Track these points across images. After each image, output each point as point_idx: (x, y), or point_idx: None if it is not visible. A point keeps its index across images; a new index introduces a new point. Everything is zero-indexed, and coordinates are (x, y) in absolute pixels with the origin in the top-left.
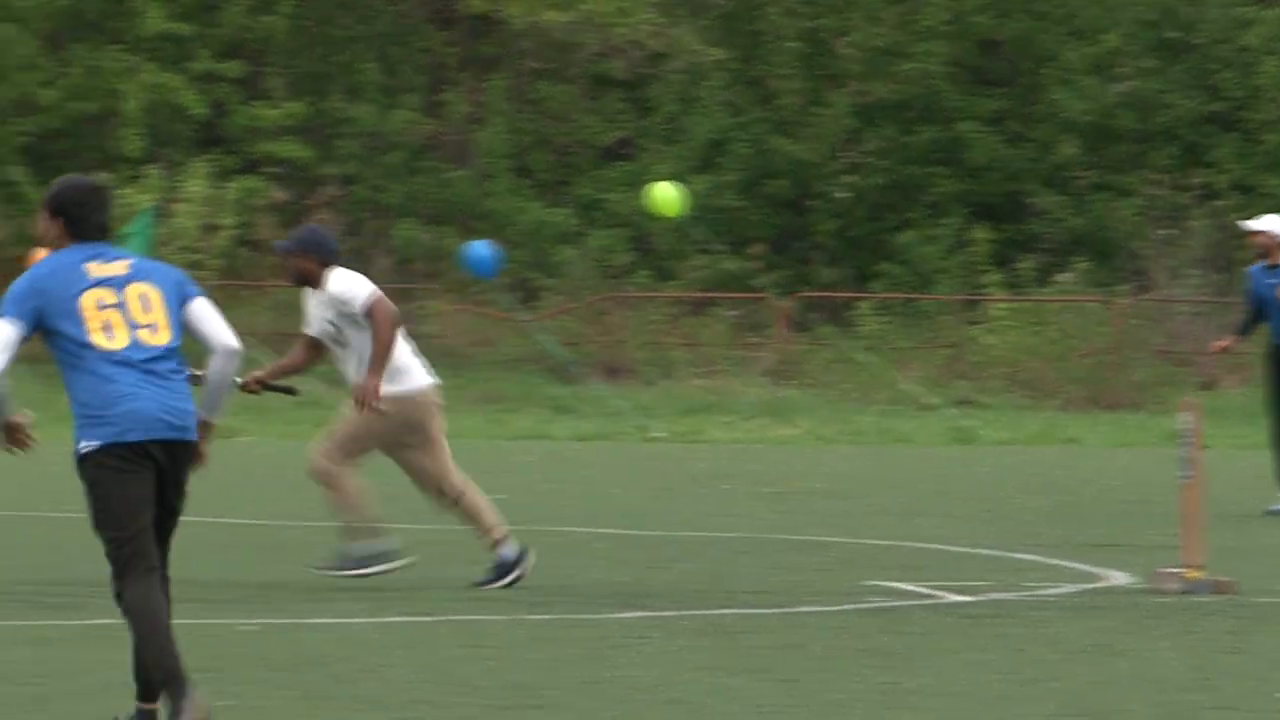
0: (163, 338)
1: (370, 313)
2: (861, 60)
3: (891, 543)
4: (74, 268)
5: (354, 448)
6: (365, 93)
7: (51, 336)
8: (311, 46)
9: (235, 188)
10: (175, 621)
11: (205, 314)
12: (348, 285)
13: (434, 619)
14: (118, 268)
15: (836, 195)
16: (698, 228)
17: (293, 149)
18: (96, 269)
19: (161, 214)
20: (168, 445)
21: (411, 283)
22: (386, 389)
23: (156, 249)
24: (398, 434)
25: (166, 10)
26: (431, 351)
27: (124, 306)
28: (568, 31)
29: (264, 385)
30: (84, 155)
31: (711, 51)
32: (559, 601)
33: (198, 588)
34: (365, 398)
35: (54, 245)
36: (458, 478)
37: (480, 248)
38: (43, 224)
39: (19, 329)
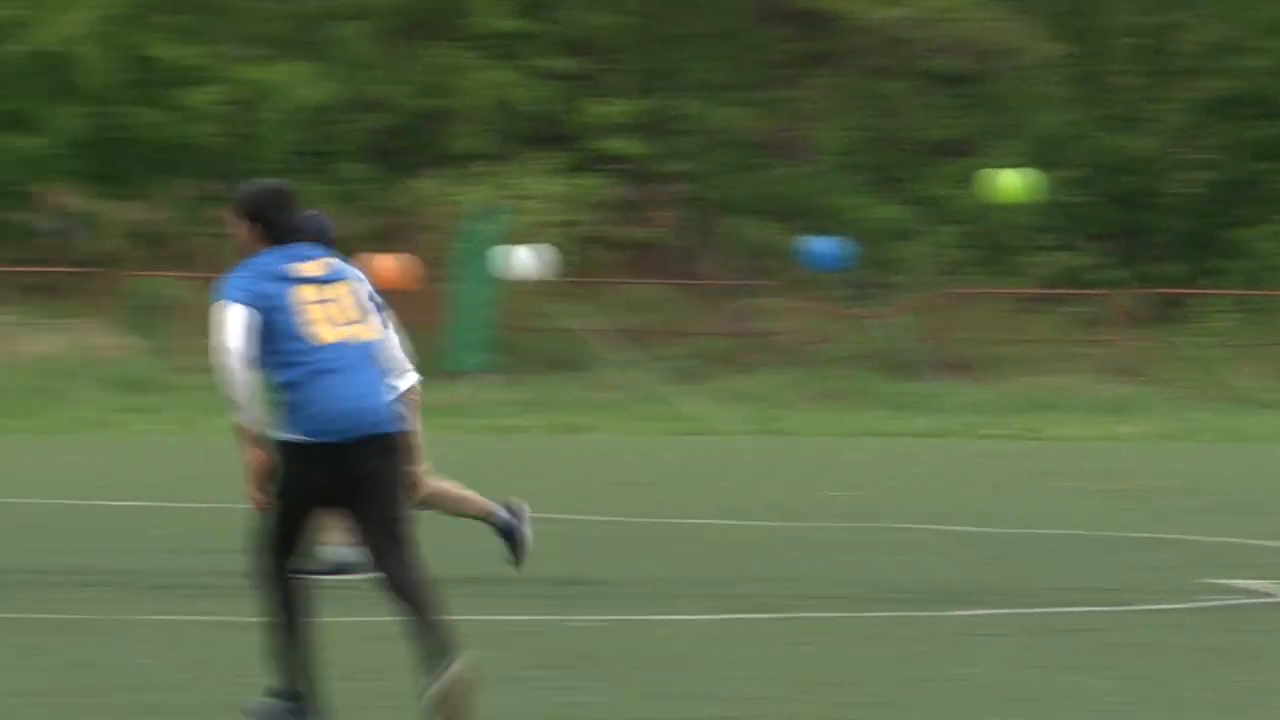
0: (364, 334)
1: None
2: (1200, 56)
3: (1230, 540)
4: (280, 267)
5: None
6: (702, 90)
7: (266, 329)
8: (650, 44)
9: (574, 185)
10: (523, 617)
11: (384, 321)
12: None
13: (763, 616)
14: (318, 267)
15: (1177, 191)
16: (1039, 223)
17: (631, 146)
18: (299, 269)
19: (506, 212)
20: (365, 439)
21: (749, 279)
22: None
23: (502, 246)
24: None
25: (505, 7)
26: (770, 348)
27: (328, 304)
28: (902, 28)
29: None
30: (422, 152)
31: (1050, 47)
32: (895, 598)
33: (544, 584)
34: None
35: (249, 249)
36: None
37: (824, 243)
38: (235, 228)
39: (248, 312)
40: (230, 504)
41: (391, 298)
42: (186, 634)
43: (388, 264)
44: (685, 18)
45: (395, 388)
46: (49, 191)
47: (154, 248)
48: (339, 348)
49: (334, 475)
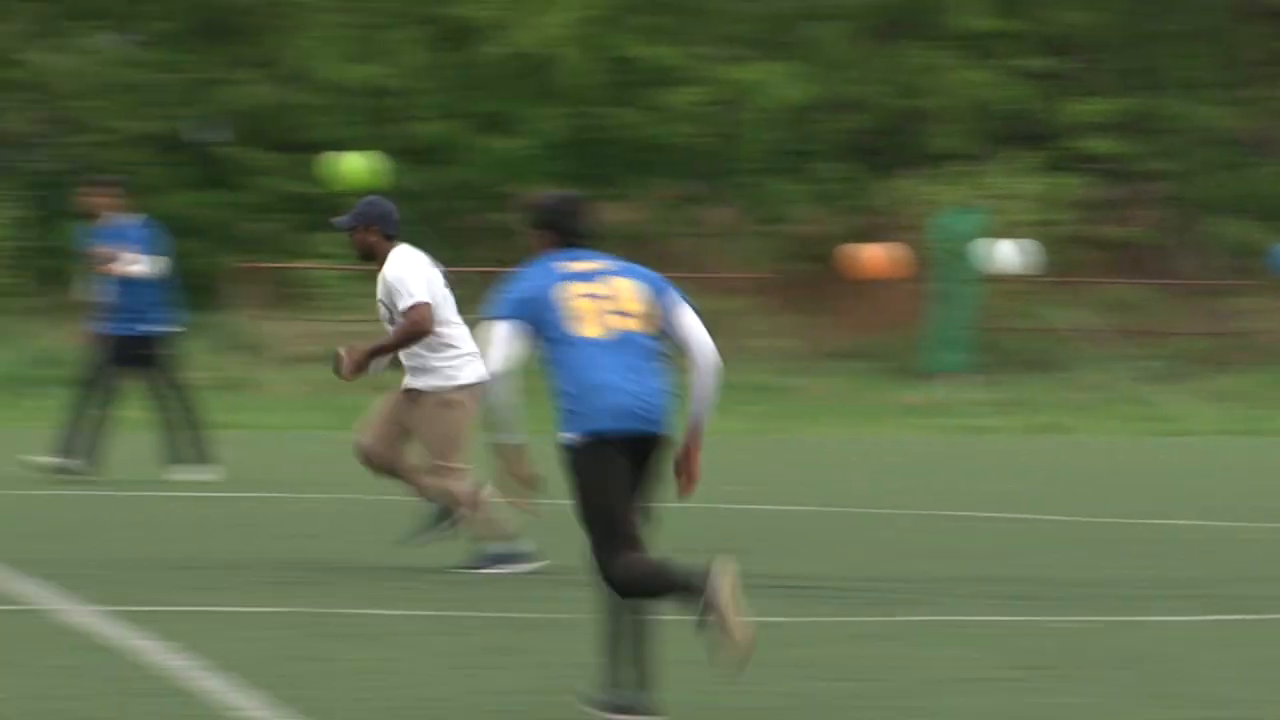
0: (636, 328)
1: (407, 314)
2: None
3: None
4: (552, 266)
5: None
6: (1182, 88)
7: (540, 333)
8: (1129, 42)
9: (1052, 184)
10: (1001, 618)
11: (687, 320)
12: (403, 275)
13: (1246, 618)
14: (594, 264)
15: None
16: None
17: (1110, 145)
18: (573, 266)
19: (983, 211)
20: (639, 436)
21: (1230, 279)
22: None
23: (983, 242)
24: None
25: (982, 6)
26: (1252, 348)
27: (601, 299)
28: None
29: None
30: (899, 152)
31: None
32: None
33: (1021, 584)
34: (348, 359)
35: (538, 256)
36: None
37: None
38: (530, 237)
39: (513, 327)
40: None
41: (876, 289)
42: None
43: (877, 254)
44: (1164, 16)
45: (673, 384)
46: (526, 193)
47: (634, 248)
48: (607, 343)
49: (614, 465)
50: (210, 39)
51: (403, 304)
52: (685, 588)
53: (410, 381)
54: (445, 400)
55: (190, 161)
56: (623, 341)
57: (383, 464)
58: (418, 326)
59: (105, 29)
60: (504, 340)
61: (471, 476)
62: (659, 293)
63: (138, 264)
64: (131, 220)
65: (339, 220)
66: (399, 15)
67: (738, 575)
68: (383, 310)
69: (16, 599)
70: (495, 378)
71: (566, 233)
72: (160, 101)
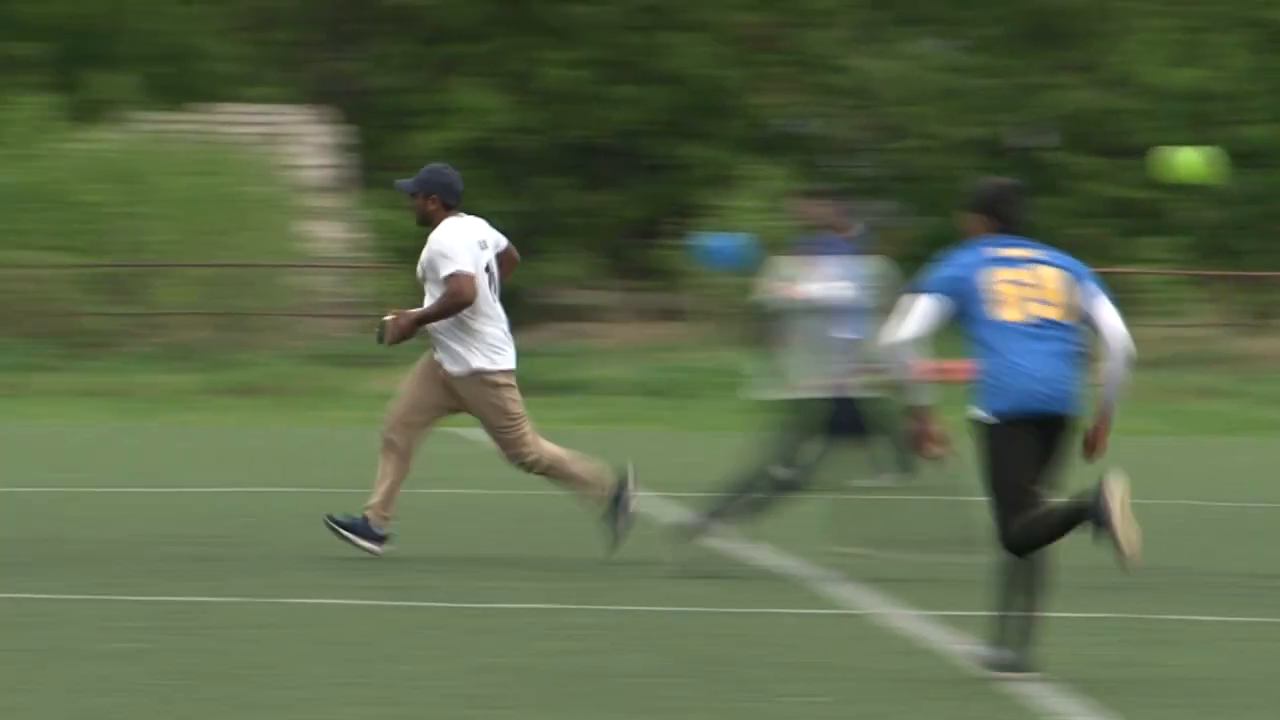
0: (1055, 316)
1: (448, 281)
2: None
3: None
4: (983, 250)
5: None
6: None
7: (963, 313)
8: None
9: None
10: None
11: (1103, 308)
12: (446, 244)
13: None
14: (1022, 252)
15: None
16: None
17: None
18: (1002, 252)
19: None
20: (1048, 417)
21: None
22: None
23: None
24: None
25: None
26: None
27: (1025, 286)
28: None
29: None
30: None
31: None
32: None
33: None
34: (392, 327)
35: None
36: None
37: None
38: (967, 221)
39: (935, 302)
40: None
41: None
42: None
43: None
44: None
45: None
46: None
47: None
48: (1026, 329)
49: (1022, 443)
50: (1034, 44)
51: (444, 271)
52: (1078, 513)
53: (449, 367)
54: (488, 380)
55: (1013, 166)
56: (1041, 328)
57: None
58: (458, 296)
59: (929, 34)
60: (923, 313)
61: (538, 442)
62: (1078, 281)
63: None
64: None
65: (401, 183)
66: (1223, 19)
67: (1128, 489)
68: (419, 276)
69: (844, 604)
70: (904, 343)
71: (1003, 220)
72: (983, 107)
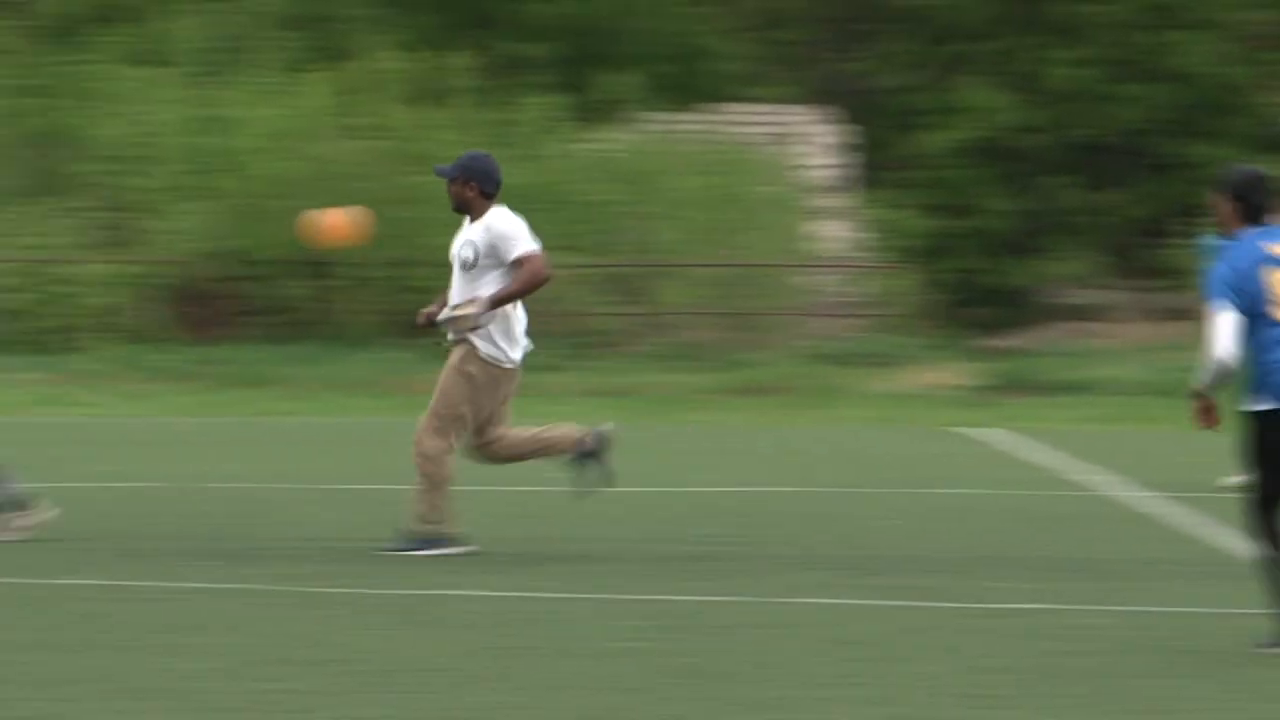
0: None
1: (523, 261)
2: None
3: None
4: (1253, 246)
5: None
6: None
7: (1243, 310)
8: None
9: None
10: None
11: None
12: (512, 228)
13: None
14: None
15: None
16: None
17: None
18: (1273, 249)
19: None
20: None
21: None
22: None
23: None
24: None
25: None
26: None
27: None
28: None
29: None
30: None
31: None
32: None
33: None
34: (467, 311)
35: (1225, 228)
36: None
37: None
38: (1219, 207)
39: (1233, 313)
40: None
41: None
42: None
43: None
44: None
45: None
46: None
47: None
48: None
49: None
50: None
51: (517, 252)
52: None
53: (452, 336)
54: (481, 369)
55: None
56: None
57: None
58: (538, 275)
59: None
60: (1229, 330)
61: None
62: None
63: None
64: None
65: (440, 168)
66: None
67: None
68: (466, 260)
69: None
70: (1224, 364)
71: (1252, 206)
72: None
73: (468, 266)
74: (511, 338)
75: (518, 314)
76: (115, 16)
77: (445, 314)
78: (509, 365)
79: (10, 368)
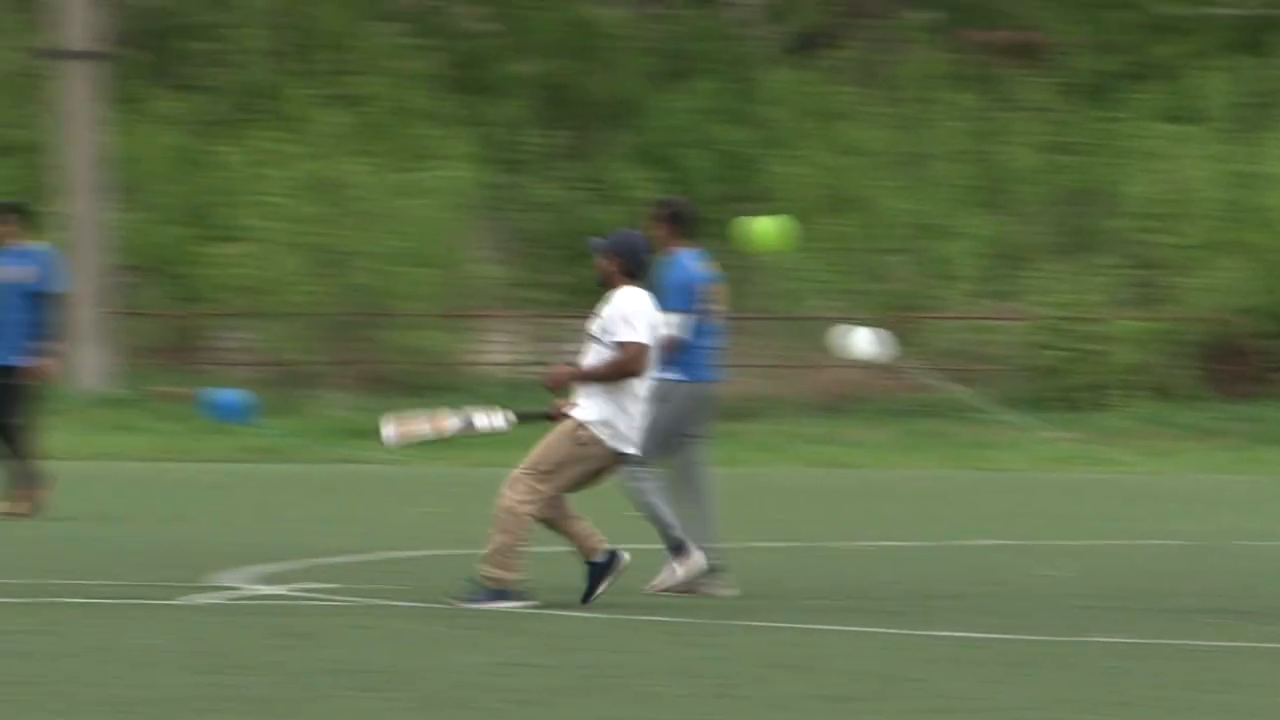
0: None
1: (624, 348)
2: None
3: None
4: None
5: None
6: None
7: None
8: None
9: None
10: None
11: None
12: (630, 312)
13: None
14: None
15: None
16: None
17: None
18: None
19: None
20: None
21: None
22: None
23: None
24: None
25: None
26: None
27: None
28: None
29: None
30: None
31: None
32: None
33: None
34: (553, 376)
35: None
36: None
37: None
38: None
39: None
40: None
41: None
42: None
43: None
44: None
45: None
46: None
47: None
48: None
49: None
50: None
51: (621, 337)
52: None
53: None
54: (591, 441)
55: None
56: None
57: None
58: (631, 364)
59: None
60: None
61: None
62: None
63: None
64: None
65: (595, 241)
66: None
67: None
68: (594, 334)
69: None
70: None
71: None
72: None
73: (595, 341)
74: (618, 417)
75: (630, 404)
76: (1148, 74)
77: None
78: (613, 449)
79: (1040, 425)
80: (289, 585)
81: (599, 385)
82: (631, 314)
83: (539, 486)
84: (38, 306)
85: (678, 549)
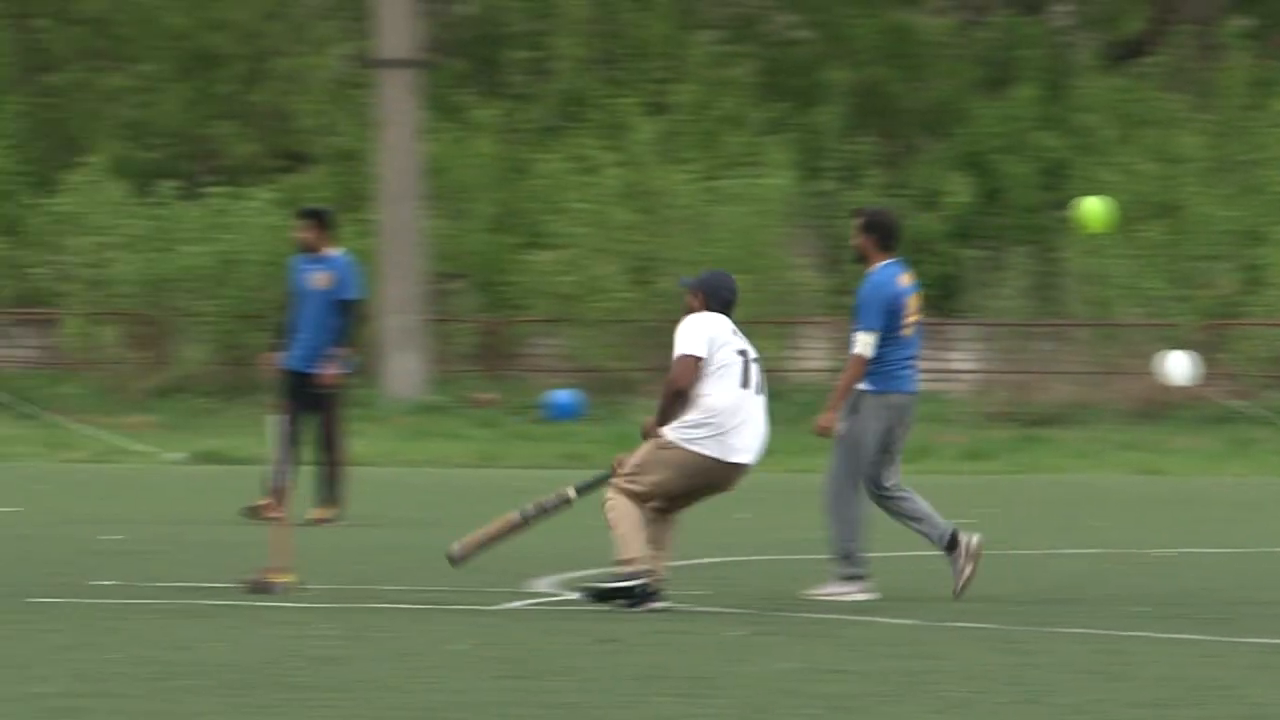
0: None
1: (673, 364)
2: None
3: None
4: None
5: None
6: None
7: None
8: None
9: None
10: None
11: None
12: (687, 328)
13: None
14: None
15: None
16: None
17: None
18: None
19: None
20: None
21: None
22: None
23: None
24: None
25: None
26: None
27: None
28: None
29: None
30: None
31: None
32: None
33: None
34: (644, 425)
35: None
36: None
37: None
38: None
39: None
40: None
41: None
42: None
43: None
44: None
45: None
46: None
47: None
48: None
49: None
50: None
51: (676, 351)
52: None
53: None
54: (669, 444)
55: None
56: None
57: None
58: (673, 378)
59: None
60: None
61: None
62: None
63: None
64: None
65: (684, 280)
66: None
67: None
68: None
69: None
70: None
71: None
72: None
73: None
74: (707, 430)
75: (726, 415)
76: None
77: None
78: (692, 448)
79: None
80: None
81: (669, 414)
82: (685, 330)
83: (628, 486)
84: (337, 313)
85: (951, 545)
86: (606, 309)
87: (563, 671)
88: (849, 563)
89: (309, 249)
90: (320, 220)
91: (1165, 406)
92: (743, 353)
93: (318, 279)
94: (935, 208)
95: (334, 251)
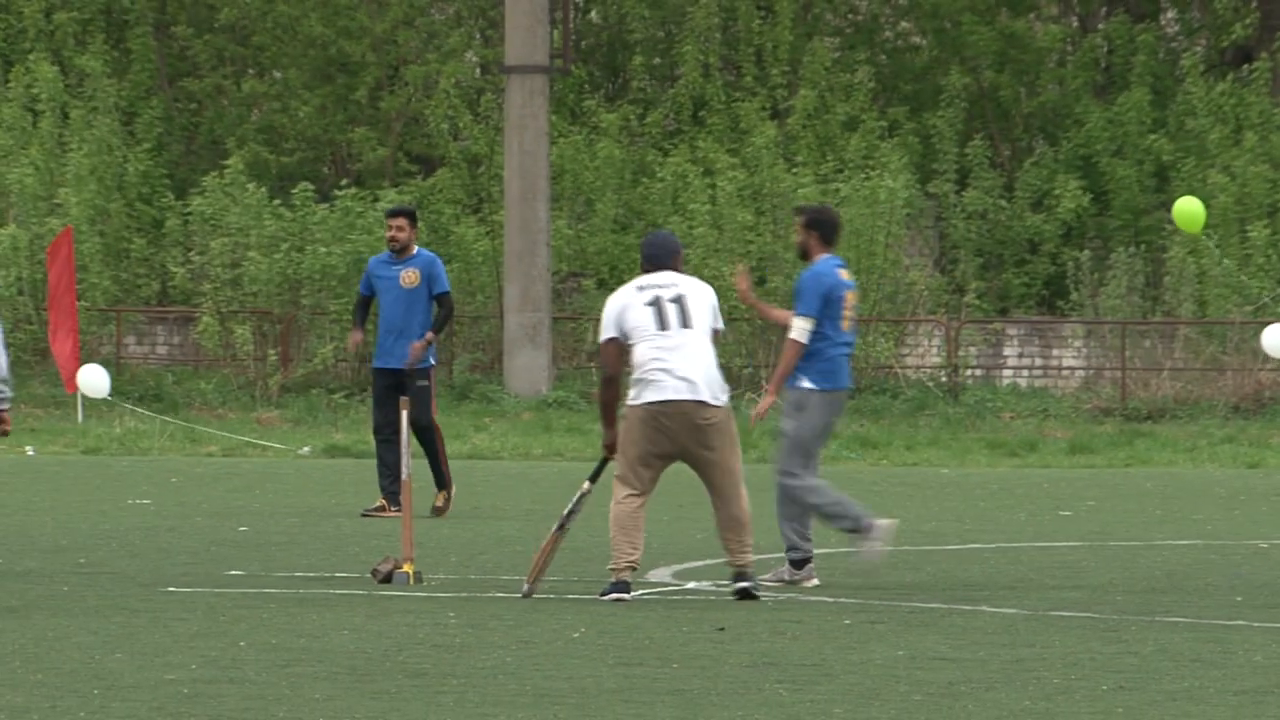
0: None
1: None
2: None
3: None
4: None
5: None
6: None
7: None
8: None
9: None
10: None
11: None
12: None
13: None
14: None
15: None
16: None
17: None
18: None
19: None
20: None
21: None
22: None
23: None
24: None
25: None
26: None
27: None
28: None
29: None
30: None
31: None
32: None
33: None
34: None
35: None
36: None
37: None
38: None
39: None
40: None
41: None
42: None
43: None
44: None
45: None
46: None
47: None
48: None
49: None
50: None
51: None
52: None
53: None
54: (624, 417)
55: None
56: None
57: None
58: (600, 365)
59: None
60: None
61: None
62: None
63: None
64: None
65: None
66: None
67: None
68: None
69: None
70: None
71: None
72: None
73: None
74: (639, 386)
75: (648, 362)
76: None
77: None
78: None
79: None
80: (712, 580)
81: (609, 401)
82: (607, 309)
83: (616, 475)
84: (428, 308)
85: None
86: (725, 307)
87: (678, 659)
88: (805, 547)
89: (403, 248)
90: (412, 219)
91: (1268, 402)
92: (654, 300)
93: (407, 276)
94: (1046, 209)
95: (422, 250)
